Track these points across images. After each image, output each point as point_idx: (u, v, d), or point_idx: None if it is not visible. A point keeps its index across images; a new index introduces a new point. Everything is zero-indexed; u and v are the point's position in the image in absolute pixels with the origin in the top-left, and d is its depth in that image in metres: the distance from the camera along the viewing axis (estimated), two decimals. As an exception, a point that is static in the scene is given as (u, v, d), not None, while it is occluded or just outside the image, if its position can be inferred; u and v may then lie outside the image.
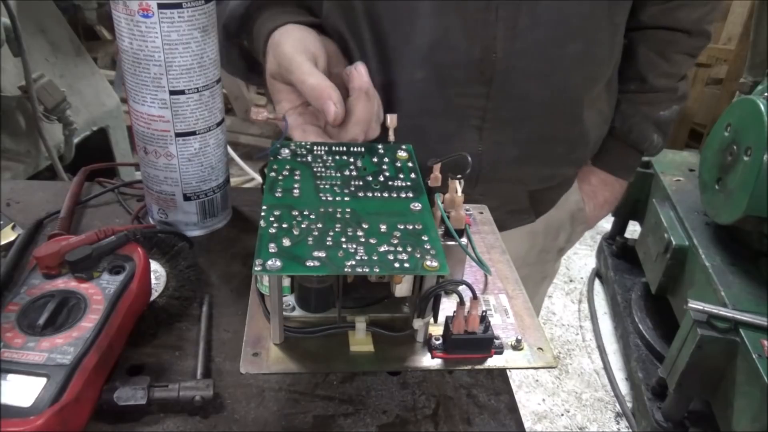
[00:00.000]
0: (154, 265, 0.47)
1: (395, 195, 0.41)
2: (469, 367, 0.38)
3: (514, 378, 1.68)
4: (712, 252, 1.29)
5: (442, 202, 0.40)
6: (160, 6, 0.44)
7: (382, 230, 0.37)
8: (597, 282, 2.05)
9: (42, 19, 1.41)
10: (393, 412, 0.40)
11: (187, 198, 0.53)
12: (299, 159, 0.45)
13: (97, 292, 0.40)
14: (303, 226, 0.37)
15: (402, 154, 0.46)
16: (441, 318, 0.38)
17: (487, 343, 0.38)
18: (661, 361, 1.35)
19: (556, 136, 0.64)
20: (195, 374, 0.41)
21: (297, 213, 0.38)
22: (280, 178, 0.42)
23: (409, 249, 0.36)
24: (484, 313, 0.37)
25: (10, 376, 0.34)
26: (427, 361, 0.38)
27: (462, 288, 0.36)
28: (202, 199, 0.54)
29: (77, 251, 0.41)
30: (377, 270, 0.34)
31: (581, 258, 2.18)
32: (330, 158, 0.45)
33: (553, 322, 1.92)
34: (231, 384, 0.41)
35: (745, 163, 1.13)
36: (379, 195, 0.41)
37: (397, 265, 0.34)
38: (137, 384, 0.38)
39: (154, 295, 0.45)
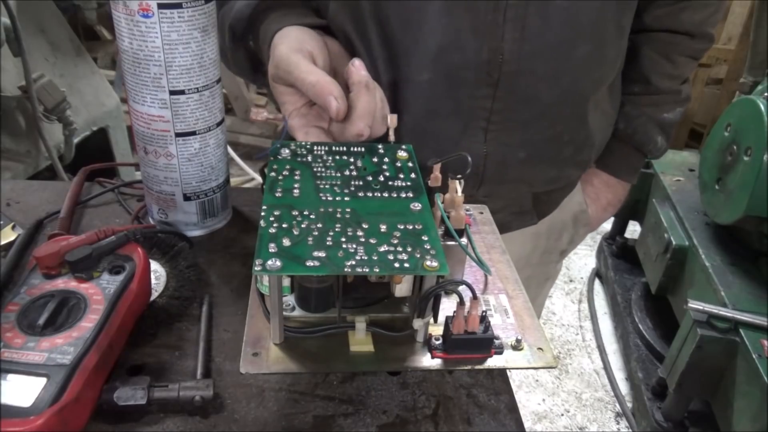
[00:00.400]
0: (154, 265, 0.47)
1: (395, 195, 0.41)
2: (469, 367, 0.38)
3: (514, 378, 1.68)
4: (712, 252, 1.29)
5: (442, 202, 0.40)
6: (160, 6, 0.44)
7: (382, 230, 0.37)
8: (597, 282, 2.05)
9: (42, 19, 1.41)
10: (393, 412, 0.40)
11: (187, 198, 0.53)
12: (299, 159, 0.45)
13: (97, 292, 0.40)
14: (303, 226, 0.37)
15: (402, 154, 0.46)
16: (441, 318, 0.38)
17: (487, 343, 0.38)
18: (661, 361, 1.36)
19: (562, 137, 0.64)
20: (195, 374, 0.41)
21: (297, 213, 0.38)
22: (280, 178, 0.42)
23: (409, 249, 0.36)
24: (484, 313, 0.37)
25: (10, 376, 0.34)
26: (427, 361, 0.38)
27: (462, 288, 0.36)
28: (202, 199, 0.54)
29: (77, 251, 0.41)
30: (377, 270, 0.34)
31: (581, 258, 2.18)
32: (330, 158, 0.45)
33: (553, 322, 1.92)
34: (231, 384, 0.41)
35: (745, 163, 1.13)
36: (379, 195, 0.41)
37: (397, 265, 0.34)
38: (137, 384, 0.38)
39: (154, 295, 0.45)
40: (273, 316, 0.37)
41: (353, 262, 0.34)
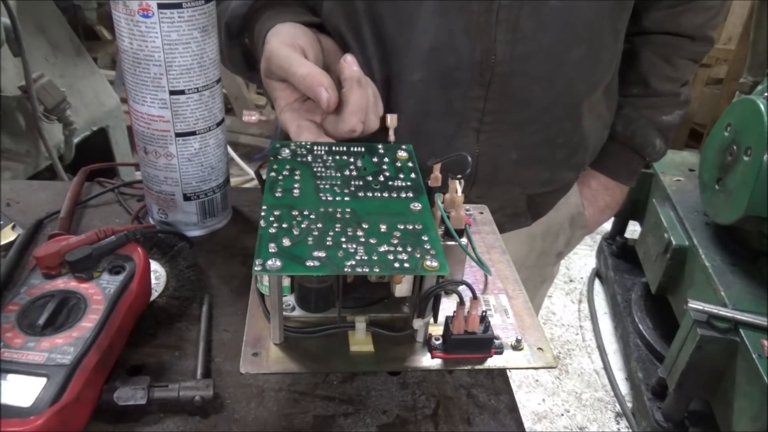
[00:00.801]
0: (154, 265, 0.47)
1: (395, 195, 0.41)
2: (469, 367, 0.38)
3: (514, 378, 1.68)
4: (712, 252, 1.29)
5: (442, 202, 0.40)
6: (160, 6, 0.44)
7: (382, 230, 0.37)
8: (597, 282, 2.05)
9: (42, 19, 1.41)
10: (393, 412, 0.40)
11: (187, 198, 0.53)
12: (299, 159, 0.45)
13: (97, 292, 0.40)
14: (303, 226, 0.37)
15: (402, 154, 0.46)
16: (441, 318, 0.38)
17: (487, 343, 0.38)
18: (661, 361, 1.36)
19: (556, 140, 0.64)
20: (195, 374, 0.41)
21: (297, 213, 0.38)
22: (280, 178, 0.42)
23: (409, 249, 0.36)
24: (484, 313, 0.37)
25: (10, 376, 0.34)
26: (427, 361, 0.38)
27: (462, 288, 0.36)
28: (202, 199, 0.54)
29: (77, 251, 0.41)
30: (377, 270, 0.34)
31: (581, 258, 2.18)
32: (330, 158, 0.45)
33: (553, 322, 1.92)
34: (231, 384, 0.41)
35: (745, 163, 1.13)
36: (379, 195, 0.41)
37: (397, 265, 0.34)
38: (137, 384, 0.38)
39: (154, 295, 0.45)
40: (273, 316, 0.37)
41: (353, 262, 0.34)
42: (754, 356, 1.04)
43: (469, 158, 0.42)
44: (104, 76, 1.64)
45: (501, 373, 0.43)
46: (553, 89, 0.60)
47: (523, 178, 0.66)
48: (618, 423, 1.60)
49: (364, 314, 0.39)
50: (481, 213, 0.52)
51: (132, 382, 0.38)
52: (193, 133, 0.50)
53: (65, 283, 0.41)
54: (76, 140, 1.43)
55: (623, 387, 1.67)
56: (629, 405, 1.61)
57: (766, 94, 1.15)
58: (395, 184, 0.43)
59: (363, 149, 0.46)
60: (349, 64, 0.50)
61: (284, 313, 0.38)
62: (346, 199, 0.40)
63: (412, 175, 0.44)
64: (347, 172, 0.43)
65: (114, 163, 1.60)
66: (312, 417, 0.39)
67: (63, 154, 1.41)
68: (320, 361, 0.37)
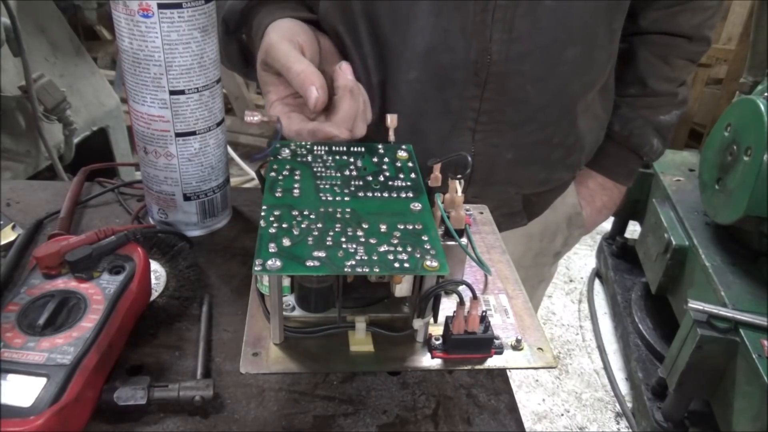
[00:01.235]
0: (154, 265, 0.47)
1: (395, 195, 0.41)
2: (469, 367, 0.38)
3: (514, 378, 1.68)
4: (712, 252, 1.29)
5: (442, 202, 0.40)
6: (160, 6, 0.44)
7: (382, 230, 0.37)
8: (597, 282, 2.05)
9: (42, 19, 1.41)
10: (393, 412, 0.40)
11: (187, 198, 0.53)
12: (299, 159, 0.45)
13: (97, 292, 0.40)
14: (303, 226, 0.37)
15: (402, 154, 0.46)
16: (441, 318, 0.38)
17: (487, 343, 0.38)
18: (661, 361, 1.35)
19: (551, 140, 0.64)
20: (195, 374, 0.41)
21: (297, 213, 0.38)
22: (280, 178, 0.42)
23: (409, 249, 0.36)
24: (484, 313, 0.37)
25: (10, 376, 0.34)
26: (427, 361, 0.38)
27: (462, 288, 0.36)
28: (202, 199, 0.54)
29: (77, 251, 0.41)
30: (377, 270, 0.34)
31: (581, 258, 2.18)
32: (330, 158, 0.45)
33: (553, 322, 1.92)
34: (231, 384, 0.41)
35: (745, 163, 1.13)
36: (379, 195, 0.41)
37: (397, 265, 0.34)
38: (137, 384, 0.38)
39: (154, 295, 0.45)
40: (273, 316, 0.37)
41: (353, 262, 0.34)
42: (754, 356, 1.04)
43: (470, 158, 0.42)
44: (104, 76, 1.64)
45: (501, 373, 0.43)
46: (549, 89, 0.60)
47: (518, 177, 0.66)
48: (618, 423, 1.60)
49: (364, 314, 0.39)
50: (481, 213, 0.52)
51: (132, 382, 0.38)
52: (193, 133, 0.50)
53: (65, 283, 0.41)
54: (76, 140, 1.43)
55: (623, 387, 1.67)
56: (629, 405, 1.61)
57: (766, 94, 1.15)
58: (395, 184, 0.43)
59: (363, 149, 0.46)
60: (344, 72, 0.50)
61: (284, 313, 0.38)
62: (346, 199, 0.40)
63: (412, 175, 0.44)
64: (347, 172, 0.43)
65: (114, 163, 1.60)
66: (312, 417, 0.39)
67: (63, 154, 1.41)
68: (320, 361, 0.37)
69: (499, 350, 0.38)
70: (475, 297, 0.36)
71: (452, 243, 0.40)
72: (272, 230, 0.36)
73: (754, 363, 1.03)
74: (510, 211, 0.70)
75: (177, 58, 0.47)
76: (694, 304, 1.13)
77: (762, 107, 1.12)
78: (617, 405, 1.64)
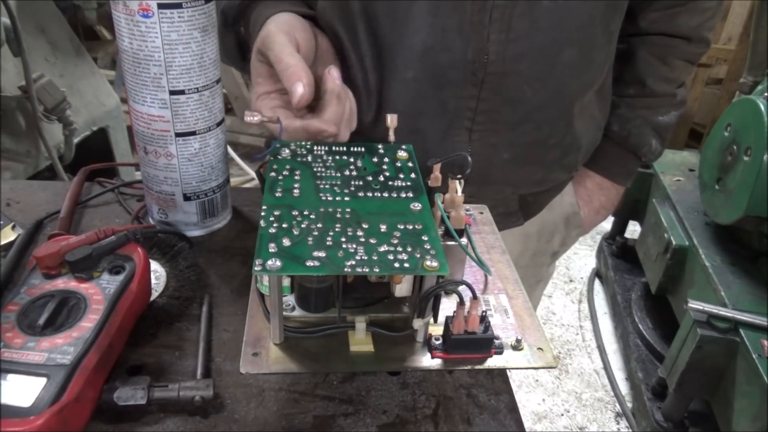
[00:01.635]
0: (154, 265, 0.47)
1: (395, 195, 0.41)
2: (469, 367, 0.38)
3: (514, 378, 1.68)
4: (712, 252, 1.29)
5: (442, 202, 0.40)
6: (160, 6, 0.44)
7: (382, 230, 0.37)
8: (597, 282, 2.05)
9: (42, 19, 1.41)
10: (393, 412, 0.40)
11: (187, 198, 0.53)
12: (299, 159, 0.45)
13: (97, 292, 0.40)
14: (303, 226, 0.37)
15: (402, 154, 0.46)
16: (441, 318, 0.38)
17: (487, 343, 0.38)
18: (661, 361, 1.35)
19: (548, 140, 0.64)
20: (195, 374, 0.41)
21: (297, 213, 0.38)
22: (280, 178, 0.42)
23: (409, 249, 0.36)
24: (484, 313, 0.37)
25: (10, 376, 0.34)
26: (427, 361, 0.38)
27: (462, 288, 0.36)
28: (202, 199, 0.54)
29: (77, 251, 0.41)
30: (377, 270, 0.34)
31: (581, 258, 2.18)
32: (330, 158, 0.45)
33: (553, 322, 1.92)
34: (231, 384, 0.41)
35: (745, 163, 1.13)
36: (379, 195, 0.41)
37: (397, 265, 0.34)
38: (137, 384, 0.38)
39: (154, 295, 0.45)
40: (273, 316, 0.37)
41: (353, 262, 0.34)
42: (754, 356, 1.04)
43: (469, 158, 0.42)
44: (104, 76, 1.64)
45: (501, 373, 0.43)
46: (546, 89, 0.60)
47: (515, 177, 0.66)
48: (618, 423, 1.60)
49: (364, 314, 0.39)
50: (481, 213, 0.52)
51: (132, 382, 0.38)
52: (193, 133, 0.50)
53: (65, 283, 0.41)
54: (76, 140, 1.43)
55: (623, 387, 1.67)
56: (629, 405, 1.61)
57: (766, 94, 1.15)
58: (395, 184, 0.43)
59: (363, 149, 0.46)
60: (332, 77, 0.50)
61: (284, 313, 0.38)
62: (346, 199, 0.40)
63: (412, 175, 0.44)
64: (347, 172, 0.43)
65: (114, 163, 1.60)
66: (312, 417, 0.39)
67: (63, 154, 1.41)
68: (320, 361, 0.37)
69: (499, 350, 0.38)
70: (475, 297, 0.36)
71: (452, 243, 0.40)
72: (272, 230, 0.36)
73: (754, 363, 1.03)
74: (506, 211, 0.70)
75: (177, 58, 0.47)
76: (694, 304, 1.13)
77: (762, 107, 1.12)
78: (617, 405, 1.64)
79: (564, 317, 1.95)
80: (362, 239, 0.36)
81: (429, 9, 0.55)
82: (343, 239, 0.36)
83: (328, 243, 0.36)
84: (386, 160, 0.45)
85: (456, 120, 0.60)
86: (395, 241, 0.36)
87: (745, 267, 1.25)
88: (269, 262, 0.34)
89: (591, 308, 1.95)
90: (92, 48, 2.39)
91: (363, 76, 0.59)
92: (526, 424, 1.03)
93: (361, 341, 0.38)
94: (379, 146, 0.47)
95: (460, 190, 0.41)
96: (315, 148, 0.46)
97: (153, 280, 0.46)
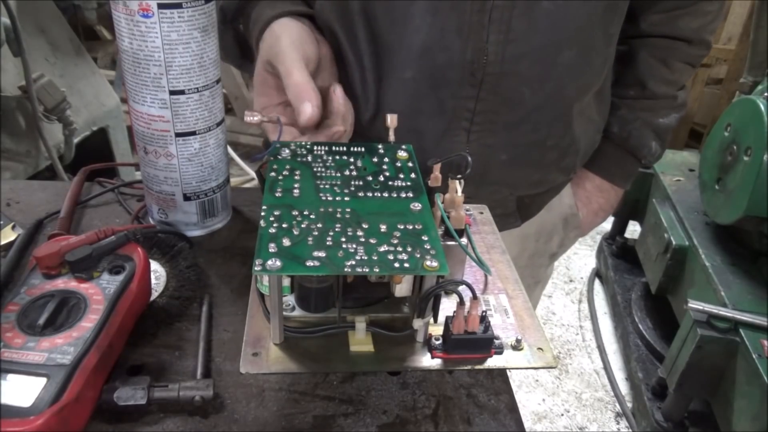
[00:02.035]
0: (154, 265, 0.47)
1: (395, 195, 0.41)
2: (469, 367, 0.38)
3: (514, 378, 1.68)
4: (712, 252, 1.29)
5: (442, 202, 0.40)
6: (160, 6, 0.44)
7: (382, 230, 0.37)
8: (597, 282, 2.05)
9: (42, 19, 1.41)
10: (393, 412, 0.40)
11: (187, 198, 0.53)
12: (299, 159, 0.45)
13: (97, 292, 0.40)
14: (303, 226, 0.37)
15: (402, 154, 0.46)
16: (441, 318, 0.38)
17: (487, 343, 0.38)
18: (661, 361, 1.36)
19: (546, 142, 0.64)
20: (195, 374, 0.41)
21: (297, 213, 0.38)
22: (280, 178, 0.42)
23: (409, 249, 0.36)
24: (484, 313, 0.37)
25: (10, 376, 0.34)
26: (427, 361, 0.38)
27: (462, 288, 0.36)
28: (202, 199, 0.54)
29: (77, 251, 0.41)
30: (377, 270, 0.34)
31: (581, 258, 2.18)
32: (330, 158, 0.45)
33: (553, 322, 1.92)
34: (231, 384, 0.41)
35: (745, 163, 1.13)
36: (379, 195, 0.41)
37: (397, 265, 0.34)
38: (137, 384, 0.38)
39: (154, 295, 0.45)
40: (273, 316, 0.37)
41: (353, 262, 0.34)
42: (754, 356, 1.04)
43: (469, 158, 0.42)
44: (104, 76, 1.64)
45: (501, 373, 0.43)
46: (544, 91, 0.60)
47: (512, 178, 0.66)
48: (618, 423, 1.60)
49: (364, 314, 0.39)
50: (481, 213, 0.52)
51: (132, 382, 0.38)
52: (193, 133, 0.50)
53: (65, 283, 0.41)
54: (76, 140, 1.43)
55: (623, 387, 1.67)
56: (629, 405, 1.61)
57: (766, 94, 1.15)
58: (395, 184, 0.43)
59: (363, 149, 0.46)
60: (338, 97, 0.52)
61: (284, 313, 0.38)
62: (346, 199, 0.40)
63: (412, 175, 0.44)
64: (347, 172, 0.43)
65: (114, 163, 1.60)
66: (312, 417, 0.39)
67: (63, 154, 1.41)
68: (320, 361, 0.37)
69: (499, 350, 0.38)
70: (475, 297, 0.36)
71: (452, 243, 0.40)
72: (272, 230, 0.36)
73: (754, 363, 1.03)
74: (504, 212, 0.69)
75: (177, 58, 0.47)
76: (694, 304, 1.13)
77: (762, 107, 1.12)
78: (617, 405, 1.64)
79: (564, 317, 1.95)
80: (362, 239, 0.36)
81: (428, 9, 0.55)
82: (343, 239, 0.36)
83: (328, 243, 0.36)
84: (386, 160, 0.45)
85: (454, 120, 0.60)
86: (395, 241, 0.36)
87: (745, 267, 1.25)
88: (269, 262, 0.34)
89: (591, 308, 1.95)
90: (92, 48, 2.39)
91: (361, 75, 0.59)
92: (526, 424, 1.03)
93: (361, 341, 0.38)
94: (379, 146, 0.47)
95: (460, 190, 0.41)
96: (315, 148, 0.46)
97: (153, 280, 0.46)
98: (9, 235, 0.52)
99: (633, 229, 1.92)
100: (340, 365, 0.38)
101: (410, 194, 0.41)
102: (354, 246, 0.35)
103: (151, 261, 0.46)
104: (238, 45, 0.62)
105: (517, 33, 0.56)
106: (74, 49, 1.50)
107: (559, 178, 0.71)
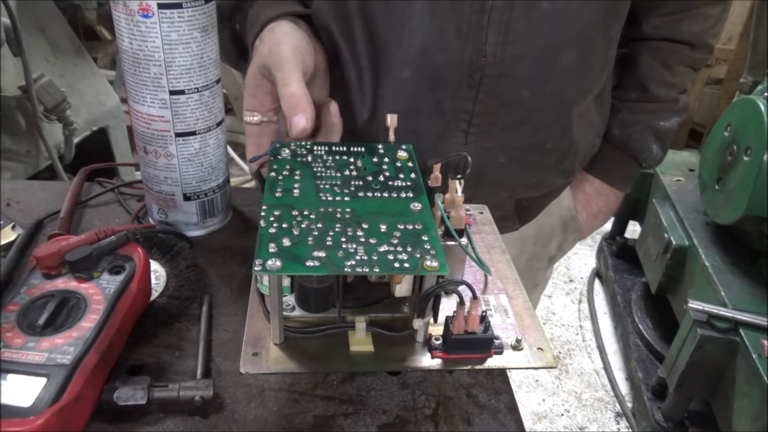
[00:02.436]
0: (154, 265, 0.47)
1: (395, 195, 0.41)
2: (469, 367, 0.38)
3: (514, 378, 1.68)
4: (712, 252, 1.29)
5: (442, 202, 0.40)
6: (160, 6, 0.44)
7: (382, 230, 0.37)
8: (597, 282, 2.05)
9: (42, 19, 1.41)
10: (393, 412, 0.40)
11: (187, 198, 0.53)
12: (299, 159, 0.45)
13: (97, 292, 0.40)
14: (303, 226, 0.37)
15: (402, 154, 0.46)
16: (441, 318, 0.38)
17: (487, 343, 0.38)
18: (661, 361, 1.36)
19: (545, 144, 0.63)
20: (195, 374, 0.41)
21: (297, 213, 0.38)
22: (280, 178, 0.42)
23: (409, 249, 0.36)
24: (484, 313, 0.37)
25: (10, 376, 0.34)
26: (427, 361, 0.38)
27: (462, 288, 0.36)
28: (202, 199, 0.54)
29: (77, 251, 0.41)
30: (377, 270, 0.34)
31: (581, 258, 2.18)
32: (330, 158, 0.45)
33: (553, 322, 1.92)
34: (231, 384, 0.41)
35: (745, 163, 1.13)
36: (379, 195, 0.41)
37: (397, 265, 0.34)
38: (137, 384, 0.38)
39: (154, 295, 0.45)
40: (273, 316, 0.37)
41: (353, 262, 0.34)
42: (754, 356, 1.04)
43: (470, 158, 0.42)
44: (104, 76, 1.64)
45: (501, 373, 0.43)
46: (543, 93, 0.59)
47: (510, 181, 0.65)
48: (618, 423, 1.60)
49: (364, 314, 0.39)
50: (481, 213, 0.52)
51: (132, 382, 0.38)
52: (193, 133, 0.50)
53: (65, 283, 0.41)
54: (76, 140, 1.43)
55: (623, 387, 1.67)
56: (629, 405, 1.61)
57: (766, 94, 1.15)
58: (395, 184, 0.43)
59: (363, 149, 0.46)
60: (332, 114, 0.52)
61: (284, 313, 0.38)
62: (346, 199, 0.40)
63: (412, 175, 0.44)
64: (347, 172, 0.43)
65: (114, 163, 1.60)
66: (312, 417, 0.39)
67: (63, 154, 1.41)
68: (320, 361, 0.37)
69: (499, 350, 0.38)
70: (475, 297, 0.36)
71: (452, 243, 0.40)
72: (272, 230, 0.36)
73: (754, 363, 1.03)
74: (502, 215, 0.69)
75: (177, 58, 0.47)
76: (694, 304, 1.13)
77: (762, 107, 1.12)
78: (617, 405, 1.64)
79: (564, 317, 1.95)
80: (362, 239, 0.36)
81: (427, 9, 0.55)
82: (343, 239, 0.36)
83: (328, 243, 0.36)
84: (386, 160, 0.45)
85: (452, 121, 0.59)
86: (395, 241, 0.36)
87: (745, 267, 1.25)
88: (269, 262, 0.34)
89: (591, 308, 1.95)
90: (92, 48, 2.39)
91: (358, 75, 0.59)
92: (526, 424, 1.03)
93: (361, 341, 0.38)
94: (379, 146, 0.47)
95: (460, 190, 0.41)
96: (315, 148, 0.46)
97: (153, 280, 0.46)
98: (9, 235, 0.52)
99: (633, 229, 1.92)
100: (340, 365, 0.38)
101: (410, 194, 0.41)
102: (354, 246, 0.35)
103: (151, 261, 0.46)
104: (235, 44, 0.62)
105: (516, 34, 0.55)
106: (74, 49, 1.50)
107: (558, 181, 0.71)
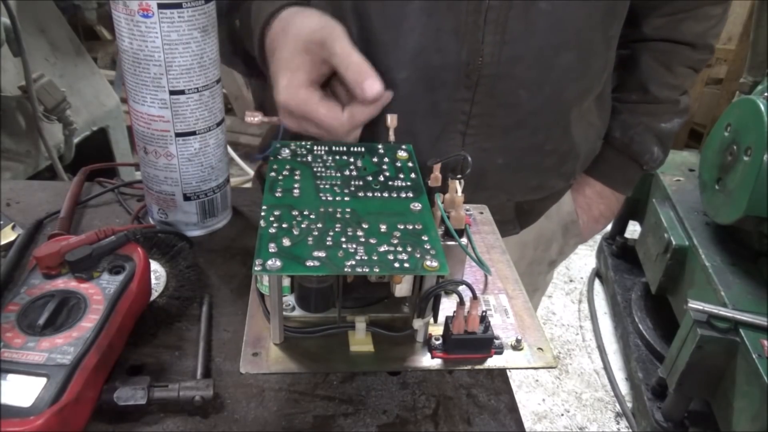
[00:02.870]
0: (154, 265, 0.47)
1: (395, 195, 0.41)
2: (469, 367, 0.38)
3: (514, 378, 1.68)
4: (712, 252, 1.29)
5: (442, 202, 0.40)
6: (160, 6, 0.44)
7: (382, 230, 0.37)
8: (597, 282, 2.05)
9: (42, 19, 1.41)
10: (393, 412, 0.40)
11: (187, 198, 0.53)
12: (299, 159, 0.45)
13: (97, 292, 0.40)
14: (303, 226, 0.37)
15: (402, 154, 0.46)
16: (441, 318, 0.38)
17: (487, 343, 0.38)
18: (661, 361, 1.36)
19: (544, 146, 0.63)
20: (195, 374, 0.41)
21: (297, 213, 0.38)
22: (280, 178, 0.42)
23: (409, 249, 0.36)
24: (484, 313, 0.37)
25: (10, 376, 0.34)
26: (427, 361, 0.38)
27: (462, 288, 0.36)
28: (202, 199, 0.54)
29: (77, 251, 0.41)
30: (377, 270, 0.34)
31: (581, 258, 2.18)
32: (330, 158, 0.45)
33: (553, 322, 1.92)
34: (231, 384, 0.41)
35: (745, 163, 1.13)
36: (379, 195, 0.41)
37: (397, 265, 0.34)
38: (137, 384, 0.38)
39: (154, 295, 0.45)
40: (273, 316, 0.37)
41: (353, 262, 0.34)
42: (754, 356, 1.04)
43: (469, 158, 0.42)
44: (104, 76, 1.64)
45: (501, 373, 0.43)
46: (542, 94, 0.59)
47: (509, 183, 0.65)
48: (618, 423, 1.60)
49: (364, 314, 0.39)
50: (481, 213, 0.53)
51: (132, 382, 0.38)
52: (193, 133, 0.50)
53: (65, 283, 0.41)
54: (76, 140, 1.43)
55: (623, 387, 1.67)
56: (629, 405, 1.61)
57: (766, 94, 1.15)
58: (395, 184, 0.43)
59: (363, 149, 0.46)
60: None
61: (284, 313, 0.38)
62: (346, 199, 0.40)
63: (412, 175, 0.44)
64: (347, 172, 0.43)
65: (114, 163, 1.60)
66: (312, 417, 0.39)
67: (63, 154, 1.41)
68: (320, 361, 0.37)
69: (499, 350, 0.38)
70: (475, 297, 0.36)
71: (452, 243, 0.40)
72: (272, 230, 0.36)
73: (754, 363, 1.03)
74: (502, 219, 0.68)
75: (177, 58, 0.47)
76: (694, 304, 1.13)
77: (762, 107, 1.12)
78: (617, 405, 1.64)
79: (564, 317, 1.95)
80: (362, 239, 0.36)
81: (423, 9, 0.54)
82: (343, 239, 0.36)
83: (328, 243, 0.36)
84: (386, 160, 0.45)
85: (449, 123, 0.59)
86: (395, 241, 0.36)
87: (745, 267, 1.25)
88: (269, 262, 0.34)
89: (591, 308, 1.95)
90: (92, 48, 2.39)
91: None
92: (526, 424, 1.03)
93: (361, 341, 0.38)
94: (379, 146, 0.47)
95: (460, 190, 0.41)
96: (315, 148, 0.46)
97: (153, 280, 0.46)
98: (9, 235, 0.52)
99: (633, 229, 1.92)
100: (340, 365, 0.38)
101: (410, 194, 0.41)
102: (354, 246, 0.35)
103: (151, 261, 0.46)
104: (231, 41, 0.62)
105: (514, 34, 0.55)
106: (74, 49, 1.50)
107: (559, 184, 0.70)
